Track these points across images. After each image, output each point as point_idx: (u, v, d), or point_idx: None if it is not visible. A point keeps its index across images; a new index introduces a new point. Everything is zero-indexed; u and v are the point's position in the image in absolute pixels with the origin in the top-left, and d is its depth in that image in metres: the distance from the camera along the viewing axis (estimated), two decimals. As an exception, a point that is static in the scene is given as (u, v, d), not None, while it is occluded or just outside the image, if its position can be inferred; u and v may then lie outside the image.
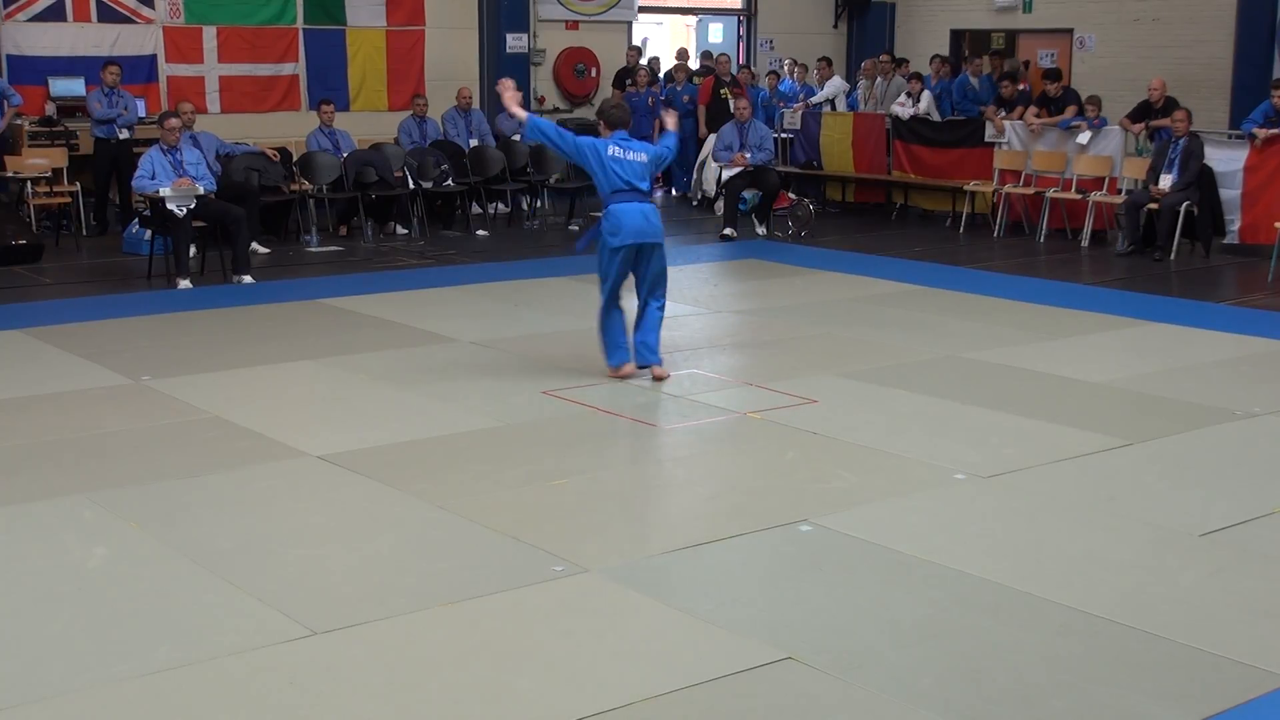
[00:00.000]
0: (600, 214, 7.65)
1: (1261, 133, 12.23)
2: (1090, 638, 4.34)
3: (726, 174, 13.78)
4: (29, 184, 12.73)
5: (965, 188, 14.25)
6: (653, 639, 4.36)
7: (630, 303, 7.81)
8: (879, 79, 16.38)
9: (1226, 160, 12.51)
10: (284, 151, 13.34)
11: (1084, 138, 13.48)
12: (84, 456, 6.26)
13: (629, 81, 16.55)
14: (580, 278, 11.13)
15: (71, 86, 13.66)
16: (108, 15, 14.02)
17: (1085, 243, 13.11)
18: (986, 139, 14.43)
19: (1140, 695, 3.96)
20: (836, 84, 16.86)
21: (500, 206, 15.04)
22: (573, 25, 17.03)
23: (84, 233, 13.10)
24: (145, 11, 14.23)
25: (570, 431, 6.72)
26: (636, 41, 17.83)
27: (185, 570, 4.88)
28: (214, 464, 6.14)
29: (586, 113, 17.10)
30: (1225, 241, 12.51)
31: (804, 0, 19.11)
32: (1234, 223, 12.52)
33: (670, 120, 8.21)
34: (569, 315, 9.59)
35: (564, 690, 3.98)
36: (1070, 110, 13.75)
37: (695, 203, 16.38)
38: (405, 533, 5.32)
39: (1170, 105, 13.00)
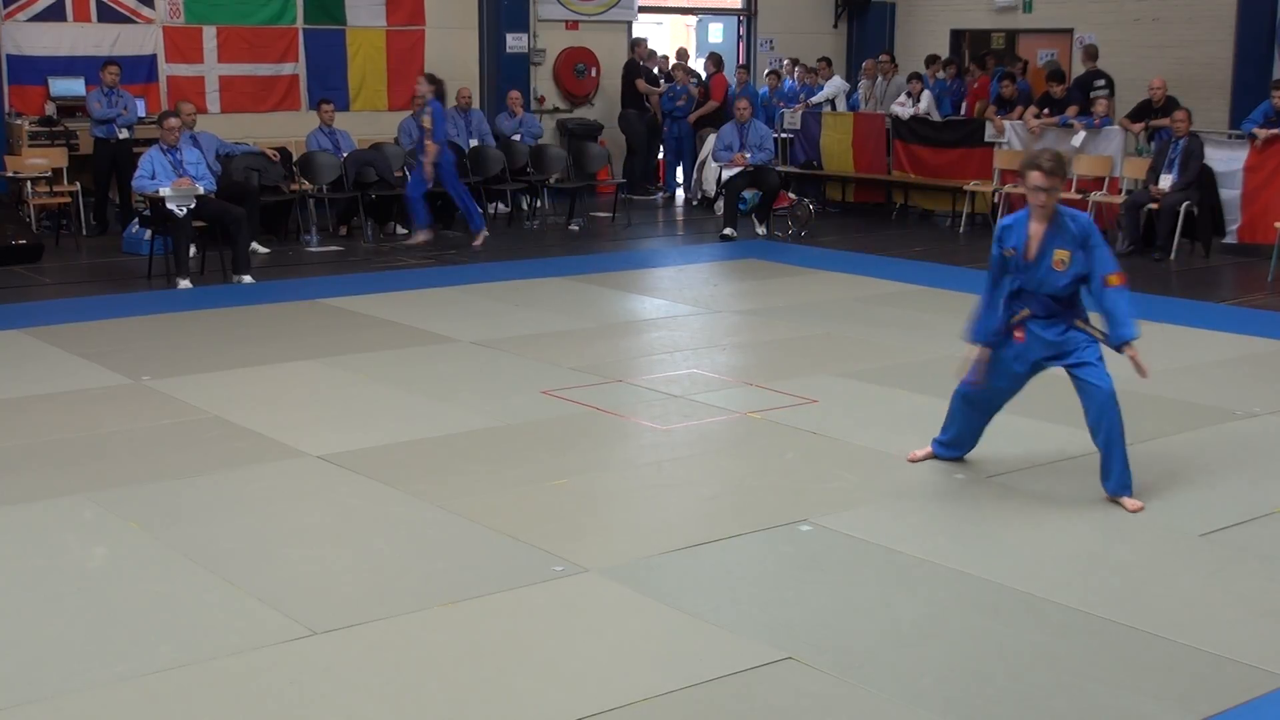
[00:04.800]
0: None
1: (1262, 133, 12.23)
2: (1090, 638, 4.34)
3: (726, 174, 13.78)
4: (29, 184, 12.73)
5: (965, 188, 14.26)
6: (653, 639, 4.36)
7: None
8: (879, 79, 16.39)
9: (1226, 160, 12.52)
10: (284, 151, 13.34)
11: (1077, 139, 13.50)
12: (84, 456, 6.26)
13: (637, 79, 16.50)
14: (580, 277, 11.14)
15: (71, 86, 13.65)
16: (108, 15, 14.01)
17: (1085, 243, 13.08)
18: (986, 139, 14.43)
19: (1140, 695, 3.96)
20: (836, 84, 16.86)
21: (500, 206, 15.03)
22: (573, 25, 17.02)
23: (84, 233, 13.10)
24: (145, 11, 14.22)
25: (570, 431, 6.71)
26: (637, 40, 17.81)
27: (185, 570, 4.88)
28: (214, 464, 6.14)
29: (586, 113, 17.12)
30: (1225, 241, 12.51)
31: (804, 0, 19.10)
32: (1234, 223, 12.53)
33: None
34: (569, 315, 9.60)
35: (564, 690, 3.98)
36: (1072, 110, 13.75)
37: (695, 203, 16.38)
38: (405, 533, 5.32)
39: (1170, 105, 13.01)
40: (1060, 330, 5.65)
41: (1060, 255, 5.51)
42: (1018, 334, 5.69)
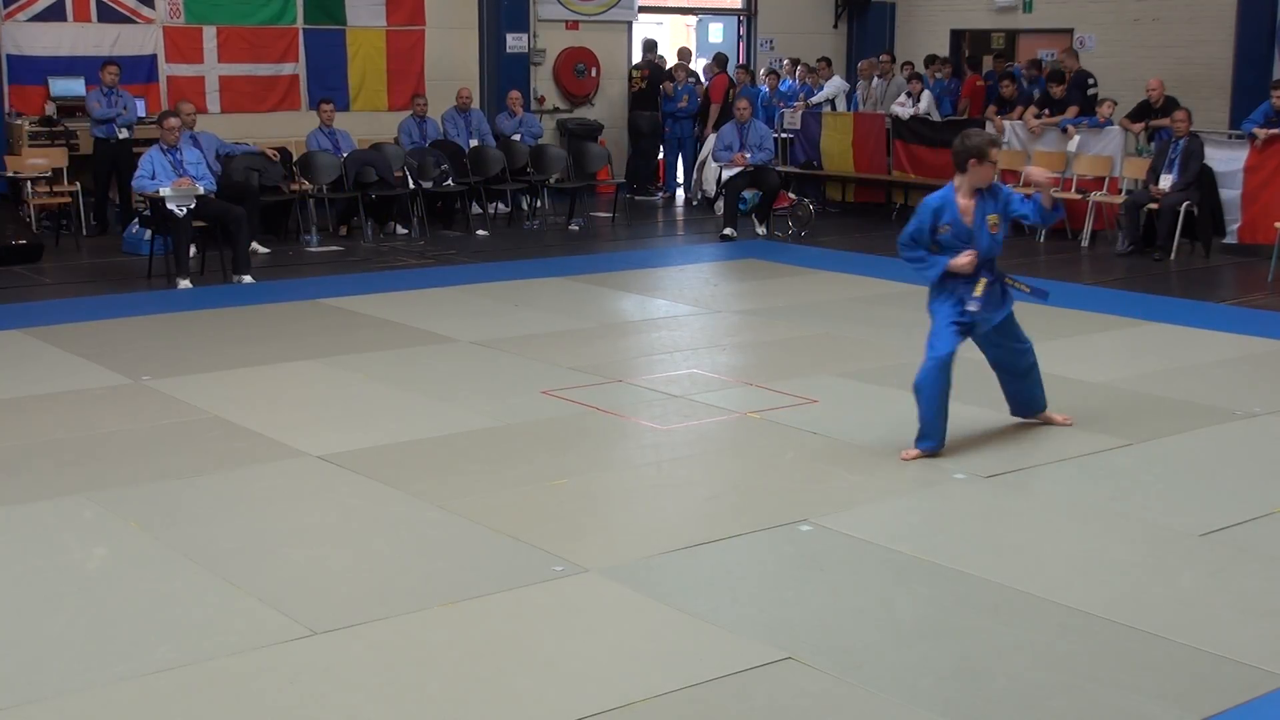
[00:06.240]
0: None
1: (1262, 133, 12.23)
2: (1090, 638, 4.34)
3: (726, 174, 13.78)
4: (29, 184, 12.73)
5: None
6: (653, 639, 4.36)
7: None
8: (876, 79, 16.39)
9: (1226, 160, 12.52)
10: (284, 151, 13.34)
11: (1072, 144, 13.50)
12: (84, 456, 6.26)
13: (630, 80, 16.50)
14: (580, 277, 11.15)
15: (71, 86, 13.64)
16: (108, 15, 14.01)
17: (1085, 243, 13.11)
18: (987, 139, 14.40)
19: (1140, 695, 3.96)
20: (836, 84, 16.87)
21: (500, 206, 15.04)
22: (573, 25, 17.02)
23: (84, 233, 13.10)
24: (145, 11, 14.22)
25: (570, 431, 6.72)
26: (639, 42, 17.83)
27: (185, 570, 4.88)
28: (214, 464, 6.14)
29: (586, 112, 17.12)
30: (1225, 241, 12.51)
31: (804, 0, 19.10)
32: (1234, 223, 12.53)
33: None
34: (569, 315, 9.60)
35: (564, 690, 3.98)
36: (1072, 110, 13.75)
37: (695, 203, 16.38)
38: (405, 533, 5.32)
39: (1170, 105, 13.01)
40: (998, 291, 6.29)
41: (993, 219, 6.23)
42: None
